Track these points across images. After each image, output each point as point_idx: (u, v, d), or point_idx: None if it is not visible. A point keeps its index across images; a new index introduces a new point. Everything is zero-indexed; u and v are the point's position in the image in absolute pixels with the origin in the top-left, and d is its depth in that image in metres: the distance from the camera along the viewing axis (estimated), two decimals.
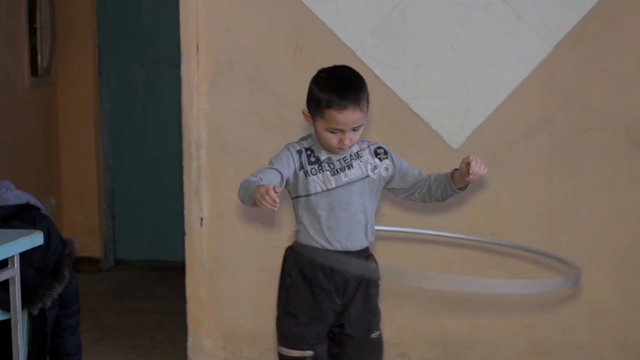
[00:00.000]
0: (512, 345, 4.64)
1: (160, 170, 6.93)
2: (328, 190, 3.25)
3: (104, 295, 6.27)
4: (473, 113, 4.52)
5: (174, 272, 6.26)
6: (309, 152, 3.27)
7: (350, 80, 3.24)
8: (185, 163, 4.68)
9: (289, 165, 3.22)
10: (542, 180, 4.56)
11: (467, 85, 4.50)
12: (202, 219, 4.68)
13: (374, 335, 3.38)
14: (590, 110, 4.50)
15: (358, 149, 3.31)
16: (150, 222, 6.98)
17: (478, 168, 3.16)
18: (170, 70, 6.37)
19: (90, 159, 6.90)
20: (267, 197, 2.95)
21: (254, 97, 4.61)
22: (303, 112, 3.27)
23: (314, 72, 3.33)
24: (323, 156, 3.27)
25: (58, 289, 3.94)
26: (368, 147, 3.34)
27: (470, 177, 3.17)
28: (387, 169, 3.33)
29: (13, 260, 3.67)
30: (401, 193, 3.37)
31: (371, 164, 3.31)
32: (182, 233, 4.73)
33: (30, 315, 3.93)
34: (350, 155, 3.29)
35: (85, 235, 6.79)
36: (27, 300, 3.85)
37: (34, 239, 3.76)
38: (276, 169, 3.18)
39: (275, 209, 2.97)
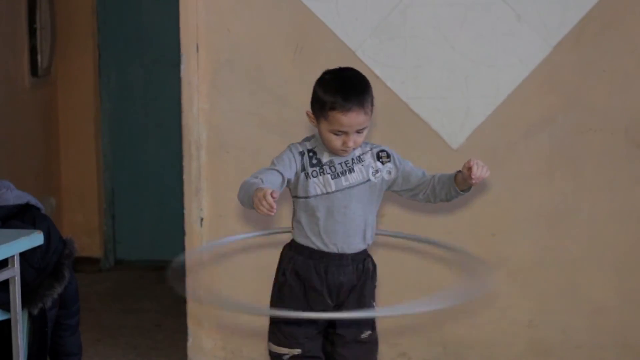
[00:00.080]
0: (512, 345, 4.64)
1: (160, 170, 6.93)
2: (327, 193, 3.25)
3: (104, 295, 6.27)
4: (473, 113, 4.52)
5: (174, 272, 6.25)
6: (311, 154, 3.27)
7: (355, 82, 3.23)
8: (185, 163, 4.68)
9: (290, 167, 3.22)
10: (542, 180, 4.56)
11: (467, 85, 4.50)
12: (202, 219, 4.68)
13: (364, 335, 3.38)
14: (590, 110, 4.50)
15: (360, 152, 3.30)
16: (150, 222, 6.98)
17: (480, 171, 3.16)
18: (170, 70, 6.36)
19: (90, 159, 6.90)
20: (264, 202, 2.95)
21: (254, 97, 4.61)
22: (307, 114, 3.27)
23: (314, 72, 3.33)
24: (325, 159, 3.27)
25: (58, 289, 3.94)
26: (371, 150, 3.33)
27: (473, 180, 3.17)
28: (389, 172, 3.32)
29: (13, 260, 3.67)
30: (405, 194, 3.37)
31: (373, 167, 3.31)
32: (182, 233, 4.73)
33: (30, 315, 3.93)
34: (352, 159, 3.29)
35: (85, 235, 6.79)
36: (27, 300, 3.85)
37: (34, 239, 3.76)
38: (277, 170, 3.18)
39: (272, 214, 2.96)
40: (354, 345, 3.37)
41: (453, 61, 4.49)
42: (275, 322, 3.36)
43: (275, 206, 2.95)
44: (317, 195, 3.25)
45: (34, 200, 4.06)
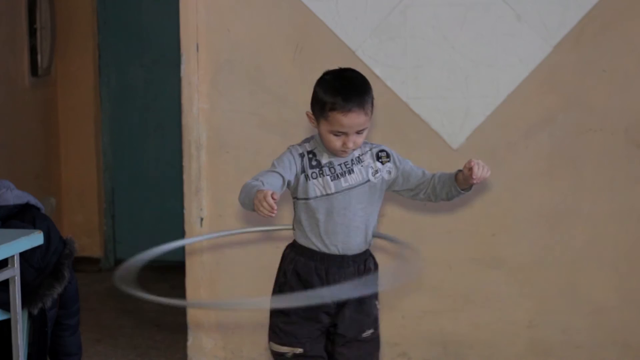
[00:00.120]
0: (512, 345, 4.65)
1: (160, 170, 6.93)
2: (327, 195, 3.25)
3: (104, 295, 6.27)
4: (473, 113, 4.52)
5: (174, 272, 6.25)
6: (310, 156, 3.26)
7: (355, 83, 3.23)
8: (185, 163, 4.68)
9: (290, 168, 3.22)
10: (542, 180, 4.56)
11: (467, 85, 4.50)
12: (202, 219, 4.68)
13: (366, 334, 3.38)
14: (590, 110, 4.50)
15: (360, 152, 3.30)
16: (150, 222, 6.98)
17: (481, 172, 3.15)
18: (170, 70, 6.37)
19: (90, 159, 6.90)
20: (264, 204, 2.95)
21: (254, 97, 4.61)
22: (307, 114, 3.27)
23: (314, 72, 3.33)
24: (324, 160, 3.26)
25: (58, 289, 3.94)
26: (370, 150, 3.32)
27: (474, 180, 3.17)
28: (389, 172, 3.32)
29: (13, 260, 3.67)
30: (406, 194, 3.36)
31: (372, 168, 3.30)
32: (182, 233, 4.73)
33: (30, 315, 3.93)
34: (352, 160, 3.28)
35: (85, 235, 6.79)
36: (27, 300, 3.85)
37: (34, 239, 3.75)
38: (278, 172, 3.17)
39: (273, 215, 2.96)
40: (356, 344, 3.36)
41: (453, 61, 4.50)
42: (275, 322, 3.36)
43: (275, 208, 2.95)
44: (316, 197, 3.25)
45: (34, 200, 4.06)
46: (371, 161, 3.31)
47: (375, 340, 3.42)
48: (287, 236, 3.46)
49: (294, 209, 3.31)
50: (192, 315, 4.77)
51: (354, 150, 3.25)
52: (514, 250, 4.60)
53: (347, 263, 3.29)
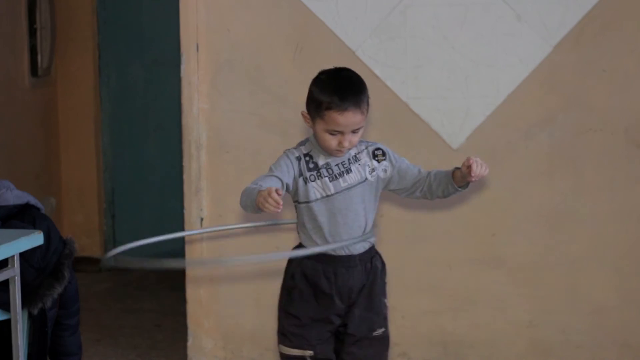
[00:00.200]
0: (512, 345, 4.64)
1: (160, 170, 6.93)
2: (327, 196, 3.25)
3: (104, 295, 6.27)
4: (473, 113, 4.52)
5: (174, 272, 6.25)
6: (307, 158, 3.27)
7: (351, 82, 3.23)
8: (185, 163, 4.68)
9: (288, 172, 3.22)
10: (542, 180, 4.56)
11: (467, 85, 4.50)
12: (202, 219, 4.68)
13: (377, 333, 3.37)
14: (590, 110, 4.50)
15: (356, 151, 3.30)
16: (150, 222, 6.97)
17: (480, 169, 3.16)
18: (170, 70, 6.37)
19: (90, 159, 6.90)
20: (269, 200, 2.96)
21: (254, 97, 4.61)
22: (302, 114, 3.27)
23: (314, 72, 3.33)
24: (321, 162, 3.26)
25: (58, 289, 3.94)
26: (366, 148, 3.33)
27: (472, 178, 3.17)
28: (385, 171, 3.32)
29: (13, 260, 3.67)
30: (402, 193, 3.37)
31: (369, 166, 3.30)
32: None
33: (30, 315, 3.93)
34: (349, 159, 3.29)
35: (85, 235, 6.79)
36: (27, 300, 3.85)
37: (34, 239, 3.75)
38: (276, 176, 3.18)
39: (279, 210, 2.97)
40: (366, 343, 3.36)
41: (453, 61, 4.50)
42: (284, 325, 3.35)
43: (281, 202, 2.96)
44: (317, 199, 3.25)
45: (34, 200, 4.06)
46: (368, 159, 3.31)
47: (385, 340, 3.41)
48: (288, 236, 3.46)
49: (297, 212, 3.32)
50: (192, 315, 4.77)
51: (349, 149, 3.25)
52: (514, 250, 4.60)
53: (355, 262, 3.29)
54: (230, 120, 4.63)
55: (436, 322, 4.66)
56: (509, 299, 4.62)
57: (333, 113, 3.16)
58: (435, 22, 4.48)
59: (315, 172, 3.25)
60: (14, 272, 3.68)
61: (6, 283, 3.69)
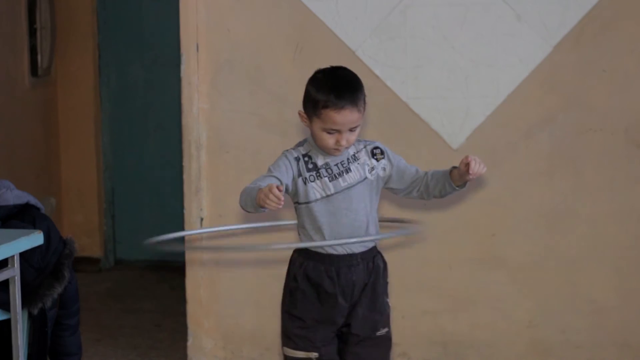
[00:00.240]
0: (512, 345, 4.64)
1: (160, 170, 6.93)
2: (327, 196, 3.25)
3: (104, 295, 6.27)
4: (473, 113, 4.52)
5: (174, 272, 6.26)
6: (306, 159, 3.27)
7: (347, 80, 3.24)
8: (185, 163, 4.68)
9: (287, 172, 3.22)
10: (542, 180, 4.56)
11: (467, 85, 4.50)
12: (202, 219, 4.68)
13: (380, 333, 3.38)
14: (590, 110, 4.50)
15: (355, 150, 3.31)
16: (150, 222, 6.97)
17: (478, 168, 3.17)
18: (170, 70, 6.37)
19: (90, 159, 6.90)
20: (271, 196, 2.96)
21: (254, 97, 4.61)
22: (299, 114, 3.27)
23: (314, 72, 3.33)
24: (320, 162, 3.26)
25: (58, 289, 3.94)
26: (365, 147, 3.33)
27: (470, 176, 3.18)
28: (384, 169, 3.33)
29: (13, 260, 3.67)
30: (399, 192, 3.37)
31: (368, 165, 3.31)
32: None
33: (30, 315, 3.93)
34: (348, 159, 3.29)
35: (85, 235, 6.79)
36: (27, 300, 3.85)
37: (34, 239, 3.75)
38: (275, 176, 3.18)
39: (280, 206, 2.97)
40: (370, 343, 3.36)
41: (453, 61, 4.50)
42: (288, 328, 3.34)
43: (282, 198, 2.96)
44: (317, 199, 3.25)
45: (34, 200, 4.06)
46: (367, 158, 3.31)
47: (389, 340, 3.41)
48: (288, 236, 3.46)
49: (297, 214, 3.31)
50: (192, 315, 4.76)
51: (347, 148, 3.25)
52: (514, 250, 4.60)
53: (357, 261, 3.29)
54: (230, 120, 4.63)
55: (436, 322, 4.66)
56: (509, 299, 4.62)
57: (330, 112, 3.16)
58: (435, 22, 4.48)
59: (315, 172, 3.25)
60: (14, 272, 3.68)
61: (6, 283, 3.68)
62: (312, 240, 3.27)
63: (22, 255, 3.75)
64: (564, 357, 4.62)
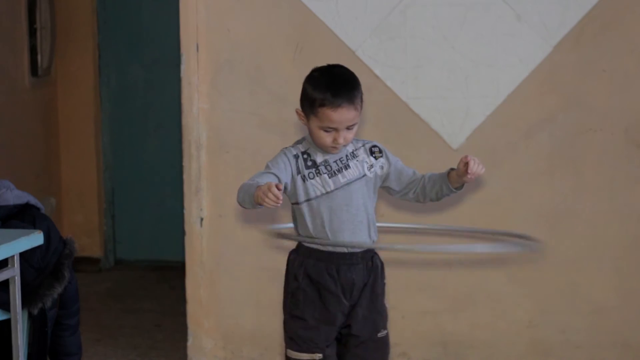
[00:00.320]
0: (512, 345, 4.64)
1: (160, 170, 6.93)
2: (327, 192, 3.25)
3: (104, 295, 6.27)
4: (473, 113, 4.52)
5: (174, 272, 6.26)
6: (305, 156, 3.27)
7: (344, 79, 3.24)
8: (185, 163, 4.68)
9: (285, 170, 3.22)
10: (542, 180, 4.56)
11: (467, 85, 4.50)
12: (202, 219, 4.68)
13: (381, 334, 3.38)
14: (590, 110, 4.50)
15: (353, 148, 3.31)
16: (150, 222, 6.98)
17: (476, 168, 3.17)
18: (170, 70, 6.37)
19: (90, 159, 6.90)
20: (269, 194, 2.96)
21: (254, 97, 4.61)
22: (296, 112, 3.28)
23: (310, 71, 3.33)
24: (319, 159, 3.27)
25: (58, 289, 3.94)
26: (363, 145, 3.34)
27: (469, 176, 3.18)
28: (382, 167, 3.33)
29: (13, 260, 3.67)
30: (396, 193, 3.37)
31: (367, 162, 3.31)
32: (182, 233, 4.73)
33: (30, 315, 3.93)
34: (347, 156, 3.29)
35: (85, 235, 6.79)
36: (27, 300, 3.85)
37: (34, 239, 3.75)
38: (273, 174, 3.18)
39: (279, 204, 2.97)
40: (371, 345, 3.36)
41: (453, 61, 4.50)
42: (291, 329, 3.33)
43: (281, 197, 2.96)
44: (317, 196, 3.25)
45: (34, 200, 4.06)
46: (365, 156, 3.32)
47: (388, 342, 3.42)
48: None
49: (295, 214, 3.31)
50: (192, 315, 4.76)
51: (344, 146, 3.25)
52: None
53: (357, 260, 3.29)
54: (230, 120, 4.63)
55: (436, 322, 4.66)
56: (509, 299, 4.62)
57: (326, 110, 3.17)
58: (435, 22, 4.48)
59: (314, 169, 3.26)
60: (14, 272, 3.68)
61: (6, 283, 3.68)
62: (312, 239, 3.27)
63: (22, 255, 3.75)
64: (564, 357, 4.62)
